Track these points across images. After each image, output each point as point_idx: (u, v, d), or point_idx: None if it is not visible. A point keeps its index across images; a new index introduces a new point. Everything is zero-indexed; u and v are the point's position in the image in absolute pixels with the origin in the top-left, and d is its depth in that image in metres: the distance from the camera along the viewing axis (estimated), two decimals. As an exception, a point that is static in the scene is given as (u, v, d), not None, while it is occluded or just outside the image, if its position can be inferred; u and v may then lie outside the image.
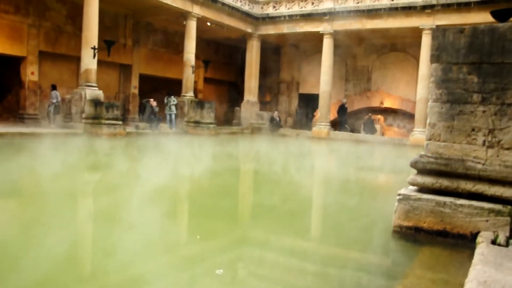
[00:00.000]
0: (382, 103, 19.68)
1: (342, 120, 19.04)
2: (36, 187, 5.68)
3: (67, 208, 4.60)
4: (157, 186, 5.68)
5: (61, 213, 4.31)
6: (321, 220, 4.80)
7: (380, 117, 19.93)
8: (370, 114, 19.17)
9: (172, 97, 15.90)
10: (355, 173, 8.91)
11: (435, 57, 3.77)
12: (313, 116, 21.13)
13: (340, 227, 4.35)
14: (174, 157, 9.31)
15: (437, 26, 14.27)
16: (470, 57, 3.62)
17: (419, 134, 15.85)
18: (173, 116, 15.94)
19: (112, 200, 4.99)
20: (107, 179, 6.40)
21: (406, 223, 3.71)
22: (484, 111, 3.56)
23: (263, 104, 22.73)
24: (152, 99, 15.64)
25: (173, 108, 15.88)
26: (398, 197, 3.75)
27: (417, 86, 16.72)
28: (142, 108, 18.19)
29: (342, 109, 19.02)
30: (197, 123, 16.23)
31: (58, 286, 2.61)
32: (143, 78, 18.65)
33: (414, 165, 3.82)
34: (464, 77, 3.65)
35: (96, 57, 12.91)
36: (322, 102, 18.34)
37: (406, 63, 19.20)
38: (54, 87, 13.89)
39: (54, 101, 13.52)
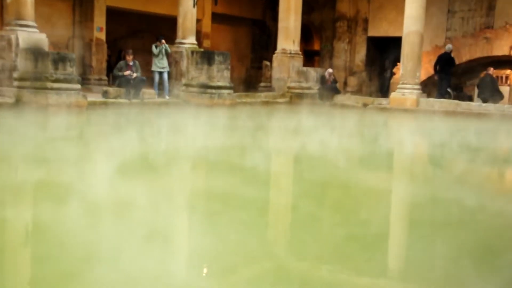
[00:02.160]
0: None
1: (444, 80, 18.69)
2: None
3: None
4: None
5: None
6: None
7: (509, 73, 19.68)
8: (490, 68, 18.67)
9: (165, 43, 16.04)
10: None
11: None
12: (391, 74, 21.20)
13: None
14: (167, 158, 8.91)
15: None
16: None
17: None
18: (165, 76, 16.12)
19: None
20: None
21: None
22: None
23: (309, 56, 22.49)
24: (129, 51, 15.43)
25: (165, 61, 16.05)
26: None
27: None
28: (113, 64, 18.19)
29: (444, 62, 18.55)
30: (202, 87, 16.27)
31: None
32: (113, 14, 18.60)
33: None
34: None
35: (33, -24, 12.95)
36: (408, 50, 17.95)
37: None
38: None
39: None
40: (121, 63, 15.40)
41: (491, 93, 18.19)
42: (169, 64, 16.32)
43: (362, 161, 9.46)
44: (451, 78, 19.03)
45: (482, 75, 18.81)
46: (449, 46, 18.98)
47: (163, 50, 15.93)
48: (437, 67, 18.76)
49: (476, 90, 18.74)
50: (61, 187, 6.04)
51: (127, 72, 15.04)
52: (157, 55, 15.94)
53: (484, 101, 17.95)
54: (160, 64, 15.99)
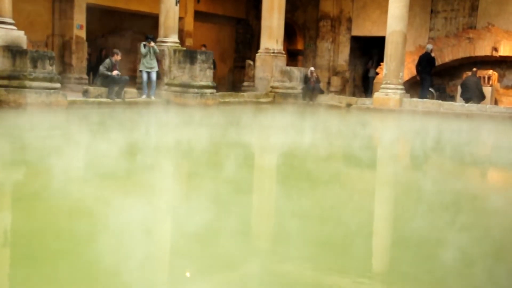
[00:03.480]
0: (496, 49, 19.56)
1: (426, 80, 18.84)
2: None
3: None
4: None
5: None
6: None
7: (491, 73, 19.61)
8: (475, 69, 18.81)
9: (154, 44, 16.06)
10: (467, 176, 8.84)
11: None
12: (375, 74, 21.42)
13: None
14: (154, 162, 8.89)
15: None
16: None
17: None
18: (153, 76, 16.02)
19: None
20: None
21: None
22: None
23: (292, 55, 22.52)
24: (117, 51, 15.46)
25: (154, 62, 16.04)
26: None
27: None
28: (93, 64, 18.12)
29: (425, 62, 18.72)
30: (185, 86, 16.28)
31: None
32: (93, 12, 18.64)
33: None
34: None
35: (11, -27, 12.98)
36: (391, 50, 17.99)
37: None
38: None
39: None
40: (109, 62, 15.22)
41: (475, 93, 18.26)
42: (158, 64, 16.27)
43: (330, 156, 9.70)
44: (432, 78, 19.18)
45: (466, 75, 18.88)
46: (429, 46, 19.13)
47: (151, 50, 15.84)
48: (419, 67, 18.92)
49: (460, 90, 18.80)
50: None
51: (115, 72, 14.98)
52: (145, 55, 15.85)
53: (467, 101, 18.03)
54: (148, 64, 15.87)
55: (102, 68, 15.18)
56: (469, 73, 18.77)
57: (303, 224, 4.90)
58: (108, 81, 14.99)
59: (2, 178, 6.51)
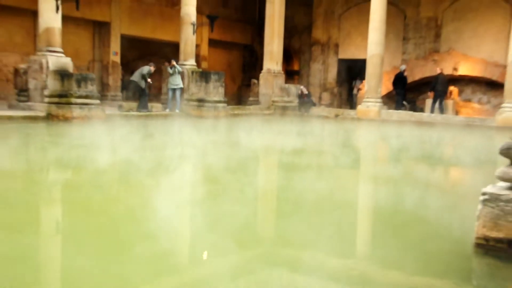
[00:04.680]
0: (455, 69, 19.61)
1: (399, 95, 19.00)
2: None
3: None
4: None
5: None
6: (378, 232, 4.68)
7: (452, 89, 19.75)
8: (440, 68, 18.81)
9: (176, 64, 15.98)
10: (419, 168, 8.95)
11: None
12: (358, 89, 21.40)
13: (400, 242, 4.23)
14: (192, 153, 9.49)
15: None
16: None
17: (510, 111, 15.63)
18: (177, 93, 15.95)
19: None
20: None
21: (494, 234, 3.59)
22: None
23: (290, 75, 22.71)
24: (152, 64, 15.64)
25: (178, 79, 15.96)
26: (482, 198, 3.67)
27: (509, 44, 16.29)
28: (126, 83, 18.37)
29: (399, 80, 18.91)
30: (201, 101, 16.40)
31: None
32: (126, 41, 18.84)
33: (506, 152, 3.67)
34: None
35: (60, 11, 12.89)
36: (371, 70, 18.16)
37: (493, 10, 18.91)
38: None
39: None
40: (148, 70, 15.26)
41: (444, 88, 18.32)
42: (182, 81, 16.10)
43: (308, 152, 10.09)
44: (405, 93, 19.20)
45: (437, 73, 18.48)
46: (402, 67, 19.19)
47: (176, 70, 15.74)
48: (394, 84, 19.00)
49: (430, 96, 18.65)
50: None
51: (149, 80, 15.24)
52: (172, 74, 15.77)
53: (440, 95, 18.08)
54: (174, 82, 15.76)
55: (145, 72, 15.09)
56: (440, 70, 18.53)
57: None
58: (139, 92, 15.14)
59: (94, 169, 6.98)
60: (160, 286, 3.12)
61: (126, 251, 3.70)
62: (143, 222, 4.45)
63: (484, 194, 3.63)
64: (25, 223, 4.38)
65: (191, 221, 4.74)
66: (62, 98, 12.61)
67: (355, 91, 21.59)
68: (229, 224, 4.45)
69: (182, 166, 8.06)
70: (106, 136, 10.45)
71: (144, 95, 15.25)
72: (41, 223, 4.62)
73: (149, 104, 15.56)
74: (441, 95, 18.28)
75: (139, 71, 15.38)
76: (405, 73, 19.07)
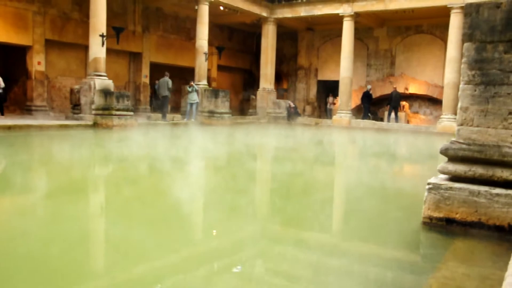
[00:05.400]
0: (407, 89, 19.65)
1: (366, 108, 19.02)
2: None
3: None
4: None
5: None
6: (344, 213, 4.76)
7: (405, 103, 19.87)
8: (395, 86, 18.92)
9: (194, 84, 15.93)
10: (379, 162, 8.92)
11: (467, 36, 3.67)
12: (331, 104, 21.34)
13: (363, 219, 4.29)
14: (197, 146, 9.84)
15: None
16: (507, 34, 3.50)
17: (447, 121, 15.75)
18: (194, 107, 15.86)
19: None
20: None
21: (436, 214, 3.66)
22: (522, 93, 3.45)
23: (280, 92, 22.75)
24: (167, 73, 15.62)
25: (195, 96, 15.83)
26: (427, 187, 3.72)
27: (444, 70, 16.58)
28: (153, 99, 18.43)
29: (366, 96, 18.99)
30: (211, 113, 16.37)
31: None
32: (153, 67, 18.82)
33: (444, 152, 3.75)
34: (500, 56, 3.54)
35: (104, 45, 12.98)
36: (343, 89, 18.28)
37: (432, 45, 19.09)
38: None
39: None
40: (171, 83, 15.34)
41: (397, 103, 18.39)
42: (198, 96, 15.96)
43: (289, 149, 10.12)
44: (370, 106, 19.28)
45: (393, 90, 18.54)
46: (369, 86, 19.33)
47: (194, 89, 15.68)
48: (361, 100, 19.08)
49: (387, 108, 18.74)
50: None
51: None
52: (191, 91, 15.65)
53: (394, 108, 18.13)
54: (192, 98, 15.60)
55: (170, 85, 14.97)
56: (394, 88, 18.63)
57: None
58: (162, 103, 15.18)
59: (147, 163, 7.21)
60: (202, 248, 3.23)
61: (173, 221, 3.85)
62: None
63: (429, 184, 3.70)
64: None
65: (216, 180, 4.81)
66: (105, 110, 12.70)
67: (328, 105, 21.60)
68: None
69: (208, 154, 8.55)
70: (149, 138, 10.70)
71: (165, 104, 15.26)
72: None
73: (172, 115, 15.55)
74: (395, 108, 18.42)
75: (165, 85, 15.12)
76: (371, 91, 19.17)
